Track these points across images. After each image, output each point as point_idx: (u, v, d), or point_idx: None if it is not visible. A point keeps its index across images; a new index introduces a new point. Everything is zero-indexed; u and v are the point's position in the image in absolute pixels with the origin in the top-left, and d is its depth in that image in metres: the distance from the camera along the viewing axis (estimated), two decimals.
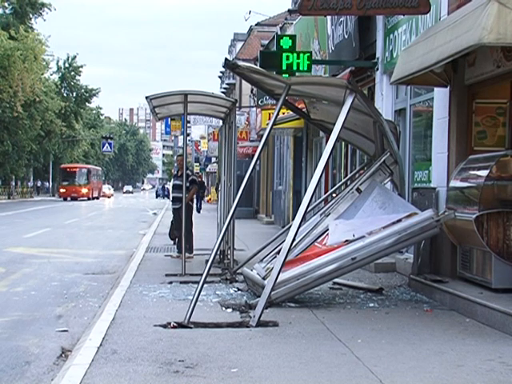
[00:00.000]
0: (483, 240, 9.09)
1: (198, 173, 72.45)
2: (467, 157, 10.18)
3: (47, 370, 6.67)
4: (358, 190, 11.33)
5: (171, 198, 16.04)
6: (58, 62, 67.41)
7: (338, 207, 11.29)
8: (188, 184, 14.30)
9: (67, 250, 17.38)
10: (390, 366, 6.31)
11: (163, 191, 73.82)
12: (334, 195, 12.77)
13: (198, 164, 75.09)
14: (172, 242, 16.73)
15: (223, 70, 59.32)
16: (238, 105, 19.84)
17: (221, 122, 15.70)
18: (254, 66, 11.18)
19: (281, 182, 27.93)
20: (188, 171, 14.64)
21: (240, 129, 33.73)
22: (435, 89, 11.21)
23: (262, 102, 25.20)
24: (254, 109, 32.29)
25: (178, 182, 14.97)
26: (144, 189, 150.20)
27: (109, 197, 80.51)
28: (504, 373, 6.15)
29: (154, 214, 38.26)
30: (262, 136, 18.16)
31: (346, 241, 9.75)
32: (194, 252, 14.93)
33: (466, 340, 7.39)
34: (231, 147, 13.65)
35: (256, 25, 45.91)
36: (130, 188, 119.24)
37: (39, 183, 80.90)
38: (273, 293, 8.63)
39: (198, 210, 38.19)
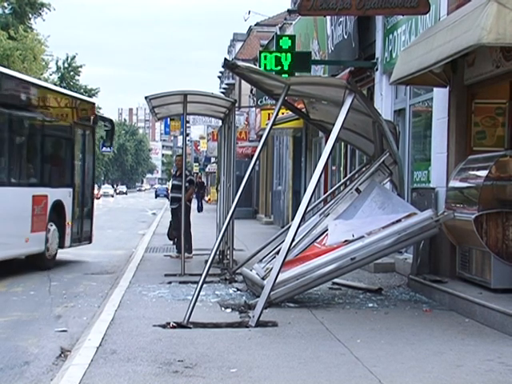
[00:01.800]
0: (482, 240, 9.09)
1: (196, 173, 72.47)
2: (466, 157, 10.18)
3: (46, 370, 6.66)
4: (357, 190, 11.33)
5: (170, 198, 16.04)
6: (57, 62, 67.36)
7: (337, 207, 11.28)
8: (186, 184, 14.33)
9: (66, 250, 17.34)
10: (390, 366, 6.31)
11: None
12: (333, 195, 12.77)
13: (197, 164, 74.99)
14: (171, 242, 16.73)
15: (223, 70, 59.30)
16: (237, 105, 19.84)
17: (220, 122, 15.70)
18: (254, 66, 11.19)
19: (280, 182, 27.93)
20: (186, 171, 14.62)
21: (239, 129, 33.75)
22: (434, 89, 11.21)
23: (261, 102, 25.21)
24: (254, 109, 32.30)
25: (176, 183, 15.00)
26: (140, 189, 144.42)
27: (98, 198, 77.11)
28: (503, 373, 6.15)
29: (153, 214, 38.27)
30: (261, 136, 18.15)
31: (346, 241, 9.75)
32: (194, 252, 14.93)
33: (465, 340, 7.39)
34: (230, 147, 13.66)
35: (255, 25, 45.84)
36: (123, 188, 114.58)
37: None
38: (272, 293, 8.62)
39: (200, 210, 38.68)
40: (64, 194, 14.36)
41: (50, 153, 14.59)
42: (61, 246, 14.38)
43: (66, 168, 14.90)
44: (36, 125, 13.80)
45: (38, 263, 13.57)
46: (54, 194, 13.87)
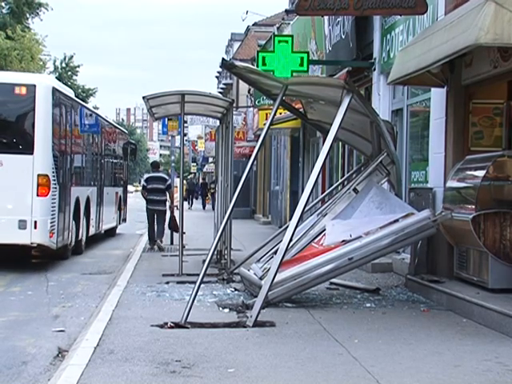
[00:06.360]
0: (480, 240, 9.09)
1: (194, 173, 72.42)
2: (464, 157, 10.18)
3: (44, 370, 6.66)
4: (354, 190, 11.33)
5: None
6: (54, 61, 67.24)
7: (334, 207, 11.28)
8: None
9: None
10: (387, 366, 6.31)
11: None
12: (330, 195, 12.77)
13: (194, 164, 74.94)
14: (169, 242, 17.15)
15: (220, 70, 59.21)
16: (234, 105, 19.69)
17: (218, 122, 15.68)
18: (251, 66, 11.19)
19: (278, 182, 27.90)
20: (161, 174, 17.44)
21: (237, 129, 33.68)
22: (432, 89, 11.22)
23: (258, 102, 25.16)
24: (251, 109, 32.23)
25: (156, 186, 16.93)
26: (137, 190, 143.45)
27: None
28: (501, 373, 6.15)
29: None
30: (258, 136, 18.14)
31: (343, 241, 9.75)
32: (192, 252, 15.01)
33: (463, 340, 7.40)
34: (228, 147, 13.65)
35: (253, 25, 45.75)
36: None
37: None
38: (270, 293, 8.62)
39: (204, 207, 44.87)
40: (121, 191, 23.21)
41: (117, 164, 22.84)
42: (119, 223, 22.79)
43: (121, 175, 23.67)
44: (113, 151, 22.21)
45: (111, 234, 21.73)
46: (119, 190, 22.66)
